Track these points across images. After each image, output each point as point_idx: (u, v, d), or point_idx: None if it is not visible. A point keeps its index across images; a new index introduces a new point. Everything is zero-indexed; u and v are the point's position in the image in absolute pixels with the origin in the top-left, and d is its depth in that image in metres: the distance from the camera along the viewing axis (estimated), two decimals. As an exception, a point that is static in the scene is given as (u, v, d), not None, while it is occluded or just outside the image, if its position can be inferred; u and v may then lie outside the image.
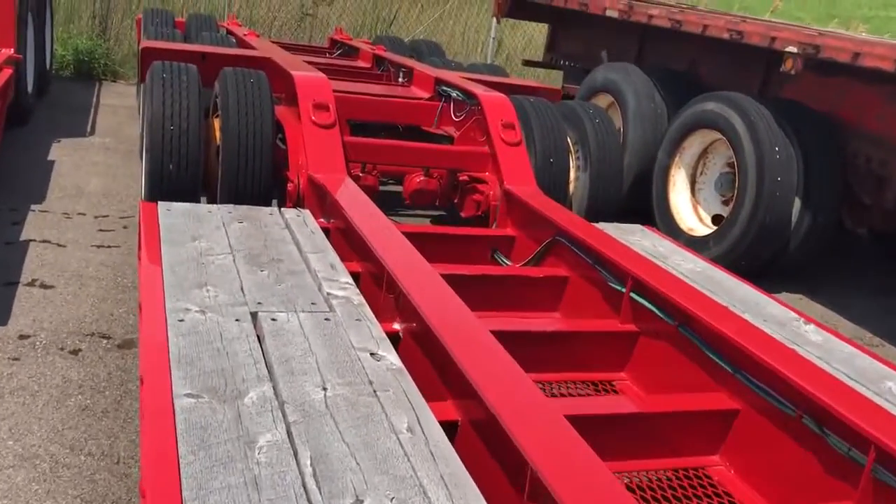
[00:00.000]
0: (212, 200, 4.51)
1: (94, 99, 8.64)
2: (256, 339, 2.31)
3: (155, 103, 4.17)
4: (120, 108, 8.29)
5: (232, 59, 5.20)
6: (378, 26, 12.63)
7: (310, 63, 6.49)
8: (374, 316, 2.61)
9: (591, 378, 3.23)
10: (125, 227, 4.83)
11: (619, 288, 3.34)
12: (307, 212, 3.81)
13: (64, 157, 6.13)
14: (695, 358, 2.92)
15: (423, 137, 5.57)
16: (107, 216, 4.98)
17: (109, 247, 4.49)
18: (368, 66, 7.28)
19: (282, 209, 3.79)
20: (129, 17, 10.61)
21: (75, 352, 3.23)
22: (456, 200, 5.09)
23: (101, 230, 4.73)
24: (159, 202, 3.63)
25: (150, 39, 5.87)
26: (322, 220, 4.02)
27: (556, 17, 8.70)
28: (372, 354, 2.29)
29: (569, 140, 5.12)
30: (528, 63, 9.46)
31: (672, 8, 6.25)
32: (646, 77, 6.43)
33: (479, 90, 5.01)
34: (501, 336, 2.54)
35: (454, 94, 5.28)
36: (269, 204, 4.33)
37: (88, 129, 7.21)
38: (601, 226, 4.23)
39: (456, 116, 5.28)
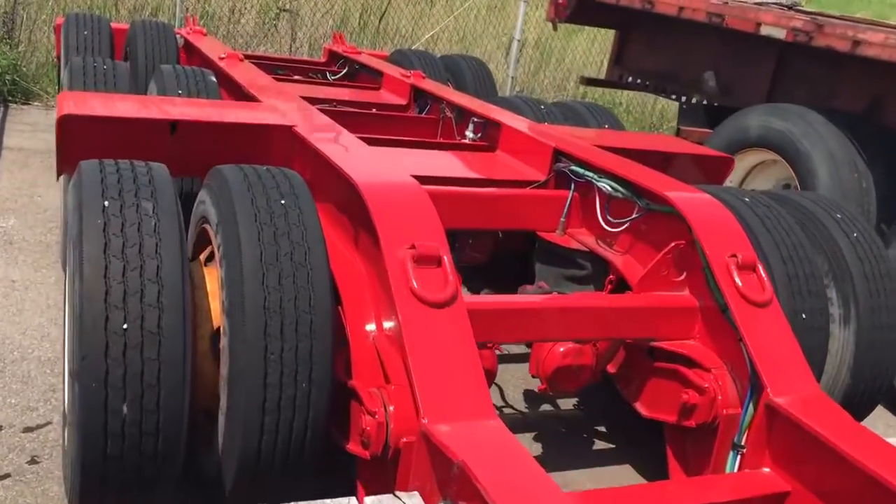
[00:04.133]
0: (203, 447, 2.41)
1: (-5, 136, 6.37)
2: None
3: (88, 268, 2.05)
4: (32, 153, 6.04)
5: (223, 133, 3.08)
6: (368, 22, 10.46)
7: (316, 100, 4.45)
8: None
9: None
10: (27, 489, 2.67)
11: None
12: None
13: (-67, 268, 3.93)
14: None
15: (528, 247, 3.56)
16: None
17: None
18: (403, 102, 5.18)
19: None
20: (46, 11, 8.31)
21: None
22: (614, 371, 3.11)
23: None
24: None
25: (72, 88, 3.66)
26: (443, 508, 2.04)
27: (632, 22, 6.71)
28: None
29: (813, 272, 3.12)
30: (588, 82, 7.45)
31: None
32: (838, 131, 4.47)
33: (669, 189, 2.97)
34: None
35: (605, 184, 3.23)
36: (325, 454, 2.28)
37: (-20, 199, 4.98)
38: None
39: (609, 224, 3.23)
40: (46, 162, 5.82)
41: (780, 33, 4.70)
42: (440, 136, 4.65)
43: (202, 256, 2.62)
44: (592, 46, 11.74)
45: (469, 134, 4.33)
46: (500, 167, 3.80)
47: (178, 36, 5.81)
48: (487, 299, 2.75)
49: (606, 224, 3.25)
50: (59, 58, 5.96)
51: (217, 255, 2.32)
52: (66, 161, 2.90)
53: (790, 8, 5.31)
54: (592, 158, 3.38)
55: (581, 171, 3.38)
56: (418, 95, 5.14)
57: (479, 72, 6.18)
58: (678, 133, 5.47)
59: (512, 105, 4.72)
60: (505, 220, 3.43)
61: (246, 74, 4.33)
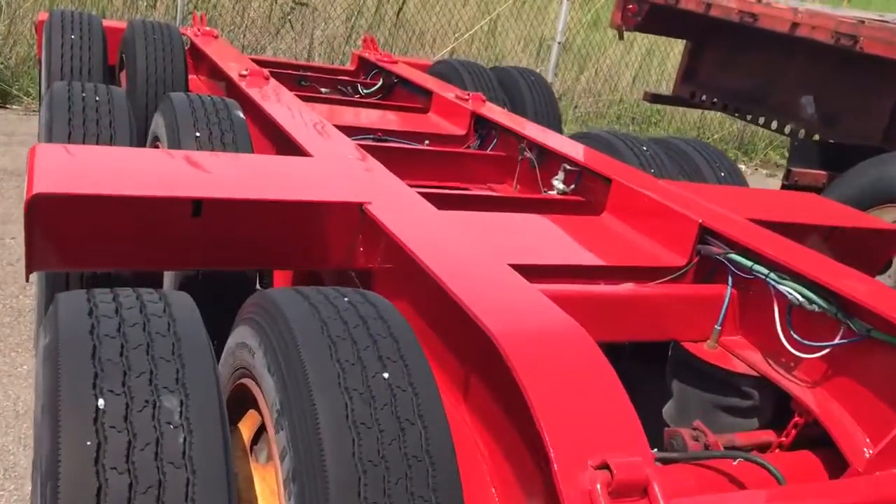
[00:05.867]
0: None
1: (-36, 150, 5.46)
2: None
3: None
4: (7, 175, 5.15)
5: (267, 214, 2.19)
6: (385, 15, 9.53)
7: (355, 129, 3.75)
8: None
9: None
10: None
11: None
12: None
13: None
14: None
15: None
16: None
17: None
18: (461, 132, 4.30)
19: None
20: (25, 7, 7.37)
21: None
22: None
23: None
24: None
25: (53, 127, 2.72)
26: None
27: (711, 33, 5.88)
28: None
29: None
30: (654, 98, 6.58)
31: None
32: None
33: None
34: None
35: (790, 290, 2.37)
36: None
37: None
38: None
39: (796, 345, 2.36)
40: (24, 187, 4.91)
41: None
42: (516, 184, 3.78)
43: (243, 429, 1.74)
44: (630, 50, 10.88)
45: (558, 185, 3.46)
46: (616, 244, 2.91)
47: (183, 37, 4.92)
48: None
49: (792, 345, 2.38)
50: (41, 60, 5.05)
51: (279, 468, 1.45)
52: (40, 258, 2.03)
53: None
54: (759, 244, 2.52)
55: (747, 263, 2.52)
56: (479, 124, 4.26)
57: (539, 90, 5.30)
58: (788, 175, 4.62)
59: (603, 142, 3.84)
60: (638, 329, 2.55)
61: (281, 105, 3.43)
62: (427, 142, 4.16)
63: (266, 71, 4.00)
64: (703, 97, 6.22)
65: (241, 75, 3.91)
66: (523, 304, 1.88)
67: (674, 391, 2.68)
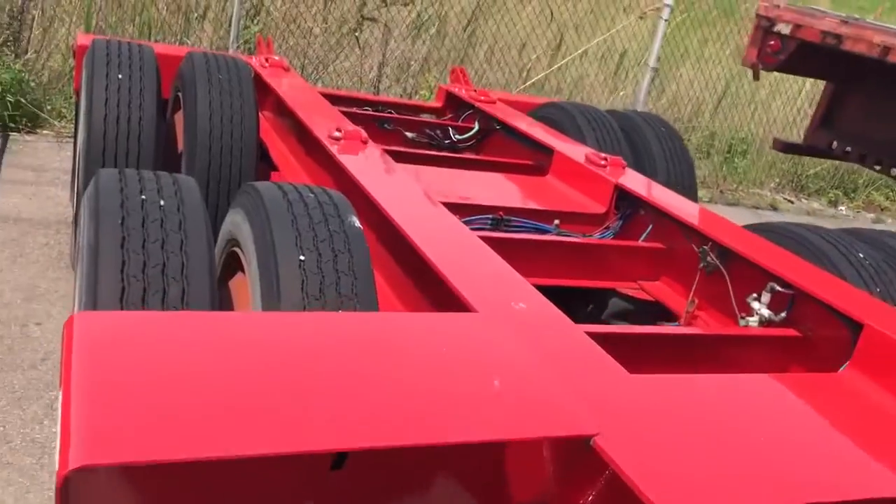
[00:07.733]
0: None
1: (-16, 191, 4.69)
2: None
3: None
4: (32, 226, 4.35)
5: (440, 462, 1.37)
6: (445, 34, 8.65)
7: (465, 207, 3.00)
8: None
9: None
10: None
11: None
12: None
13: None
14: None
15: None
16: None
17: None
18: (601, 210, 3.45)
19: None
20: (61, 13, 6.61)
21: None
22: None
23: None
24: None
25: (101, 249, 1.83)
26: None
27: (865, 77, 5.02)
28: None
29: None
30: (785, 148, 5.68)
31: None
32: None
33: None
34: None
35: None
36: None
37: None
38: None
39: None
40: (54, 243, 4.15)
41: None
42: (692, 296, 2.92)
43: None
44: (701, 71, 9.81)
45: (762, 311, 2.60)
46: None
47: (250, 66, 4.11)
48: None
49: None
50: (77, 91, 4.29)
51: None
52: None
53: None
54: None
55: None
56: (622, 198, 3.42)
57: (671, 146, 4.42)
58: None
59: (798, 240, 2.97)
60: None
61: (405, 203, 2.58)
62: (557, 222, 3.33)
63: (363, 132, 3.18)
64: (848, 148, 5.34)
65: (332, 138, 3.09)
66: None
67: None
